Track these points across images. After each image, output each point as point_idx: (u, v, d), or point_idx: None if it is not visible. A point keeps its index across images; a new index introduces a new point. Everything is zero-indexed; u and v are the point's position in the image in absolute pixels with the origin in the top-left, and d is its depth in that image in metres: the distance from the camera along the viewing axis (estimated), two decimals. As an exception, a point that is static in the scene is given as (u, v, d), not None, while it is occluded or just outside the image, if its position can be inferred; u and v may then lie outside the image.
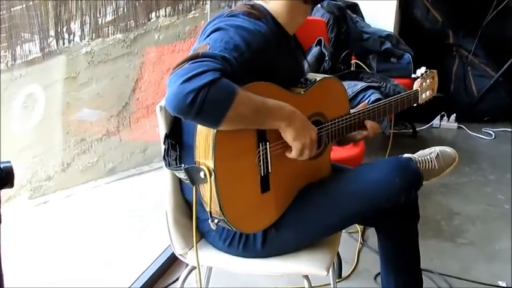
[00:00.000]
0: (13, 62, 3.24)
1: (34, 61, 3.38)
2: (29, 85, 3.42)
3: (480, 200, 3.84)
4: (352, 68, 4.15)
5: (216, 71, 1.58)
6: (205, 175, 1.70)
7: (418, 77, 2.35)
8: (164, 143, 1.88)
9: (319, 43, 3.90)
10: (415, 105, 2.32)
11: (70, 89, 3.74)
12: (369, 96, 3.43)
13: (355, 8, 4.76)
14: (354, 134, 2.09)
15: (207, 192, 1.74)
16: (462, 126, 5.21)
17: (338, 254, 2.87)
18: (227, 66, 1.63)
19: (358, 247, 3.14)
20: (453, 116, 5.22)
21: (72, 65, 3.70)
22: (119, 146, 4.29)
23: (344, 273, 2.93)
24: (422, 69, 2.37)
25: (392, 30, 4.83)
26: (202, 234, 2.06)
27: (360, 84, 3.51)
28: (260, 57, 1.76)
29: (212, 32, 1.78)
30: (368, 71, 4.08)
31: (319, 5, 4.32)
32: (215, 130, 1.66)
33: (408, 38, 4.93)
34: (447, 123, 5.24)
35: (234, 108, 1.59)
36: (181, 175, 1.79)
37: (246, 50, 1.71)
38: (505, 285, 2.87)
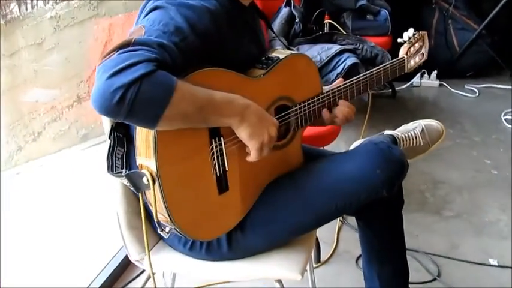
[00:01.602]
0: None
1: None
2: None
3: (466, 165, 3.63)
4: (325, 29, 3.88)
5: (150, 62, 1.30)
6: (148, 181, 1.44)
7: (404, 42, 2.07)
8: (109, 138, 1.58)
9: (288, 3, 3.62)
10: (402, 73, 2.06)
11: (36, 56, 3.59)
12: (344, 60, 3.18)
13: (327, -38, 4.45)
14: (327, 117, 1.83)
15: (152, 199, 1.47)
16: (444, 83, 5.00)
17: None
18: (165, 54, 1.36)
19: (337, 226, 2.91)
20: (434, 73, 5.01)
21: (36, 31, 3.55)
22: (91, 111, 4.03)
23: (323, 257, 2.71)
24: (410, 32, 2.08)
25: (367, -16, 4.55)
26: (160, 236, 1.79)
27: (334, 48, 3.25)
28: (207, 40, 1.48)
29: (151, 10, 1.48)
30: (343, 32, 3.81)
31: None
32: (155, 130, 1.40)
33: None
34: (428, 81, 5.02)
35: (172, 106, 1.32)
36: (124, 181, 1.53)
37: (189, 33, 1.43)
38: (497, 264, 2.66)
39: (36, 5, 3.52)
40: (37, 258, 2.77)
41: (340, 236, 2.87)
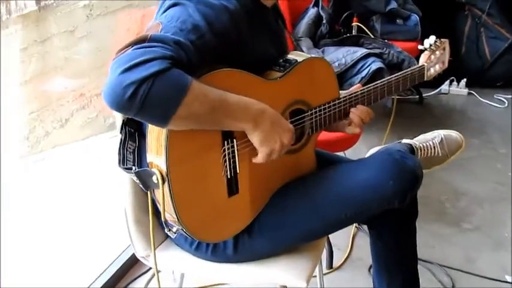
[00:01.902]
0: (8, 16, 3.10)
1: (30, 15, 3.23)
2: (25, 39, 3.24)
3: (489, 177, 3.54)
4: (353, 32, 3.82)
5: (165, 59, 1.28)
6: (157, 180, 1.43)
7: (425, 49, 2.03)
8: (121, 132, 1.56)
9: (316, 4, 3.58)
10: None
11: (68, 44, 3.58)
12: (369, 64, 3.14)
13: (357, -36, 4.39)
14: (344, 124, 1.79)
15: (160, 198, 1.46)
16: (473, 92, 4.89)
17: (329, 240, 2.62)
18: (181, 52, 1.33)
19: (352, 232, 2.87)
20: (463, 81, 4.91)
21: (69, 19, 3.54)
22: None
23: (336, 262, 2.67)
24: (431, 39, 2.05)
25: (399, -12, 4.48)
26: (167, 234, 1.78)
27: (360, 51, 3.20)
28: (225, 39, 1.46)
29: (169, 7, 1.46)
30: (370, 35, 3.76)
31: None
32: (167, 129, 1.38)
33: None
34: (457, 89, 4.92)
35: (185, 106, 1.30)
36: (134, 178, 1.52)
37: (207, 31, 1.40)
38: (512, 281, 2.60)
39: (71, -8, 3.54)
40: (47, 248, 2.78)
41: (354, 243, 2.83)
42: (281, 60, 1.68)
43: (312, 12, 3.53)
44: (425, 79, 2.02)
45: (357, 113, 1.78)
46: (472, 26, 4.95)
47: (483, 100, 4.77)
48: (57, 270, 2.65)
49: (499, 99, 4.78)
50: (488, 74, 4.94)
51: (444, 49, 2.07)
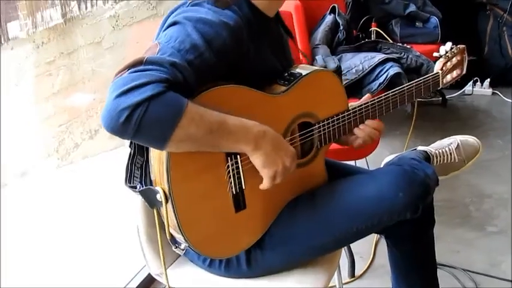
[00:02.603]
0: (34, 30, 3.10)
1: (56, 27, 3.24)
2: (52, 52, 3.25)
3: (514, 178, 3.49)
4: (372, 36, 3.81)
5: (160, 83, 1.28)
6: (161, 198, 1.44)
7: (440, 56, 2.01)
8: (130, 146, 1.56)
9: (333, 11, 3.57)
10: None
11: (95, 55, 3.58)
12: (387, 70, 3.12)
13: (376, -32, 4.37)
14: (352, 137, 1.79)
15: (165, 216, 1.47)
16: (497, 92, 4.83)
17: (350, 249, 2.61)
18: (177, 74, 1.34)
19: (375, 239, 2.86)
20: (487, 81, 4.85)
21: (96, 30, 3.56)
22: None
23: (358, 271, 2.66)
24: (448, 46, 2.02)
25: (419, -10, 4.46)
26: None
27: (378, 57, 3.19)
28: (226, 56, 1.46)
29: (169, 26, 1.47)
30: (389, 39, 3.74)
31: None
32: None
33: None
34: (480, 89, 4.87)
35: (181, 129, 1.30)
36: (139, 196, 1.53)
37: (205, 50, 1.40)
38: (539, 284, 2.57)
39: (96, 4, 3.56)
40: (74, 261, 2.81)
41: (377, 250, 2.81)
42: (286, 74, 1.67)
43: (328, 19, 3.52)
44: (441, 86, 1.98)
45: (365, 130, 1.77)
46: (494, 26, 4.89)
47: (507, 100, 4.72)
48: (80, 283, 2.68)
49: (524, 98, 4.73)
50: (511, 73, 4.88)
51: (461, 55, 2.04)
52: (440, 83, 1.98)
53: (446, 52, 2.01)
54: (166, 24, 1.49)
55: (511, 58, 4.87)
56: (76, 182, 3.41)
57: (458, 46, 2.06)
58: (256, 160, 1.47)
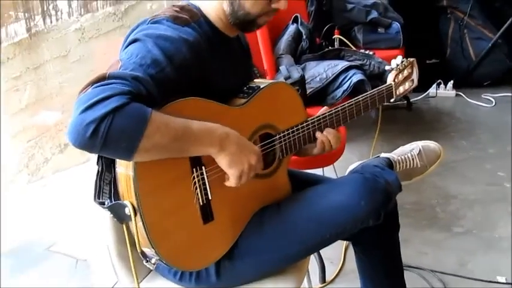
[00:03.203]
0: None
1: (21, 42, 3.30)
2: (18, 68, 3.32)
3: (479, 179, 3.57)
4: (335, 44, 3.86)
5: (123, 95, 1.31)
6: (130, 212, 1.46)
7: (392, 69, 2.07)
8: (97, 164, 1.57)
9: (295, 20, 3.61)
10: (391, 101, 2.06)
11: (62, 68, 3.64)
12: (351, 77, 3.17)
13: (338, -25, 4.43)
14: (311, 147, 1.83)
15: (134, 230, 1.49)
16: (460, 93, 4.93)
17: (319, 254, 2.65)
18: (140, 86, 1.37)
19: (344, 244, 2.89)
20: (450, 83, 4.96)
21: (62, 44, 3.61)
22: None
23: (328, 276, 2.69)
24: (398, 59, 2.09)
25: (380, -4, 4.53)
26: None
27: (341, 64, 3.23)
28: (185, 71, 1.49)
29: (129, 43, 1.50)
30: (352, 47, 3.79)
31: (296, -23, 4.02)
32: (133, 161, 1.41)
33: (399, 3, 4.64)
34: (444, 91, 4.96)
35: (147, 138, 1.33)
36: (107, 212, 1.54)
37: (166, 65, 1.44)
38: (505, 281, 2.62)
39: (61, 17, 3.56)
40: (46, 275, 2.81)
41: (347, 255, 2.84)
42: (245, 88, 1.72)
43: (291, 28, 3.56)
44: (394, 98, 2.05)
45: (325, 135, 1.81)
46: (456, 28, 4.99)
47: (471, 101, 4.82)
48: None
49: (487, 99, 4.82)
50: (474, 74, 5.00)
51: (412, 67, 2.11)
52: (394, 94, 2.04)
53: (398, 65, 2.07)
54: (127, 43, 1.52)
55: (473, 60, 4.97)
56: (47, 196, 3.41)
57: (408, 59, 2.13)
58: (222, 161, 1.50)
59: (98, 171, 1.56)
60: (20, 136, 3.45)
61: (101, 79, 1.35)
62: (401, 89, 2.07)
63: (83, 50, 3.76)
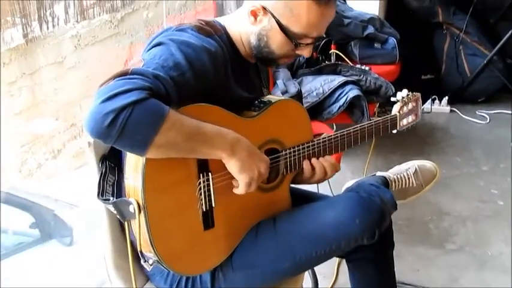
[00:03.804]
0: None
1: (18, 48, 3.23)
2: (13, 73, 3.24)
3: (472, 195, 3.59)
4: (332, 58, 3.87)
5: (143, 90, 1.35)
6: (134, 209, 1.48)
7: (398, 101, 2.10)
8: (101, 166, 1.62)
9: (293, 35, 3.62)
10: (394, 131, 2.10)
11: (57, 75, 3.57)
12: (347, 92, 3.19)
13: (335, -10, 4.44)
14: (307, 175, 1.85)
15: (137, 228, 1.51)
16: (455, 109, 4.95)
17: (313, 269, 2.65)
18: (159, 85, 1.40)
19: (338, 259, 2.89)
20: (445, 99, 4.96)
21: (58, 50, 3.54)
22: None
23: (321, 291, 2.70)
24: (404, 92, 2.12)
25: (376, 12, 4.54)
26: (148, 277, 1.83)
27: (337, 80, 3.25)
28: (204, 78, 1.53)
29: (153, 46, 1.54)
30: (348, 62, 3.81)
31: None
32: (144, 158, 1.44)
33: (394, 18, 4.66)
34: (439, 107, 4.97)
35: (162, 133, 1.36)
36: (111, 208, 1.56)
37: (187, 70, 1.48)
38: (496, 299, 2.65)
39: (58, 24, 3.57)
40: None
41: (340, 269, 2.85)
42: (256, 102, 1.75)
43: (288, 43, 3.57)
44: (398, 129, 2.09)
45: (320, 162, 1.83)
46: (451, 45, 5.01)
47: (465, 117, 4.83)
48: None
49: (481, 115, 4.84)
50: (469, 90, 5.00)
51: (416, 102, 2.14)
52: (398, 125, 2.07)
53: (403, 97, 2.10)
54: (150, 45, 1.56)
55: (468, 76, 4.99)
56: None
57: (413, 93, 2.16)
58: (233, 166, 1.53)
59: (102, 172, 1.60)
60: (13, 141, 3.45)
61: (123, 73, 1.39)
62: (404, 121, 2.11)
63: (78, 57, 3.77)
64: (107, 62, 3.88)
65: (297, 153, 1.79)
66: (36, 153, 3.56)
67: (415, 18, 5.00)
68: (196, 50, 1.52)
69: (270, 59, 1.72)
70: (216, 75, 1.58)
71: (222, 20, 1.74)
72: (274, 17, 1.64)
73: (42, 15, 3.38)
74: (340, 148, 1.88)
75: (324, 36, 1.81)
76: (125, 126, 1.32)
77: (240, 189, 1.59)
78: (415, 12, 4.99)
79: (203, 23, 1.65)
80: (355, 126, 1.91)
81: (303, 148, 1.80)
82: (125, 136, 1.33)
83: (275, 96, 1.85)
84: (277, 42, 1.67)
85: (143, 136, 1.36)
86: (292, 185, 1.98)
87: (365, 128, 1.94)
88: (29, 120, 3.43)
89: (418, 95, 2.17)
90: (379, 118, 2.00)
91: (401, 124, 2.09)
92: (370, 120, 3.13)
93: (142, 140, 1.36)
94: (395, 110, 2.07)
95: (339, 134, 1.87)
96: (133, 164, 1.49)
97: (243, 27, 1.70)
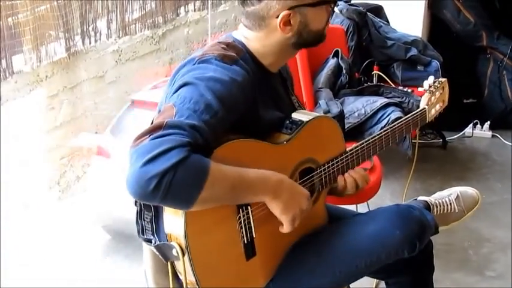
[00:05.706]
0: (38, 64, 3.24)
1: (60, 62, 3.37)
2: (55, 86, 3.39)
3: (512, 223, 3.52)
4: (374, 80, 3.87)
5: (183, 147, 1.33)
6: (177, 253, 1.48)
7: (425, 91, 2.08)
8: (135, 205, 1.61)
9: (336, 55, 3.63)
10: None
11: (97, 89, 3.70)
12: (389, 114, 3.18)
13: (379, 11, 4.44)
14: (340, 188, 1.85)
15: (181, 269, 1.52)
16: (497, 135, 4.86)
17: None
18: (197, 135, 1.39)
19: (375, 283, 2.87)
20: (487, 124, 4.88)
21: (99, 64, 3.67)
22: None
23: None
24: (430, 80, 2.11)
25: (420, 34, 4.53)
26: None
27: (380, 101, 3.25)
28: (236, 111, 1.53)
29: (180, 86, 1.51)
30: (390, 83, 3.80)
31: (337, 11, 4.05)
32: None
33: (438, 41, 4.64)
34: (480, 132, 4.89)
35: (206, 189, 1.36)
36: (153, 249, 1.57)
37: (219, 108, 1.46)
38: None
39: (100, 38, 3.64)
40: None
41: (378, 292, 2.83)
42: (287, 122, 1.74)
43: (331, 62, 3.58)
44: (427, 121, 2.08)
45: (352, 174, 1.83)
46: (494, 69, 4.96)
47: (507, 143, 4.75)
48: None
49: (523, 142, 4.76)
50: (511, 116, 4.93)
51: (443, 88, 2.12)
52: (427, 117, 2.07)
53: (430, 86, 2.08)
54: (177, 85, 1.53)
55: (510, 101, 4.92)
56: (77, 214, 3.45)
57: (440, 80, 2.13)
58: (276, 208, 1.54)
59: (137, 210, 1.60)
60: (52, 153, 3.50)
61: (158, 128, 1.36)
62: (432, 111, 2.09)
63: (119, 72, 3.82)
64: (147, 77, 3.95)
65: (331, 168, 1.79)
66: (74, 166, 3.61)
67: (458, 41, 4.96)
68: (225, 85, 1.50)
69: (319, 37, 1.70)
70: (245, 103, 1.57)
71: (239, 35, 1.71)
72: (304, 5, 1.62)
73: (84, 30, 3.45)
74: (372, 152, 1.89)
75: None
76: (170, 189, 1.31)
77: (285, 229, 1.60)
78: (459, 35, 4.96)
79: (225, 46, 1.63)
80: (386, 128, 1.93)
81: (337, 161, 1.80)
82: (170, 197, 1.33)
83: (305, 112, 1.85)
84: (318, 20, 1.66)
85: (188, 195, 1.36)
86: (330, 204, 1.98)
87: (395, 128, 1.95)
88: (68, 133, 3.48)
89: (445, 80, 2.15)
90: (408, 116, 2.00)
91: (430, 115, 2.08)
92: (413, 142, 3.11)
93: (187, 198, 1.36)
94: (423, 102, 2.06)
95: (370, 140, 1.88)
96: (172, 211, 1.49)
97: (267, 40, 1.67)
